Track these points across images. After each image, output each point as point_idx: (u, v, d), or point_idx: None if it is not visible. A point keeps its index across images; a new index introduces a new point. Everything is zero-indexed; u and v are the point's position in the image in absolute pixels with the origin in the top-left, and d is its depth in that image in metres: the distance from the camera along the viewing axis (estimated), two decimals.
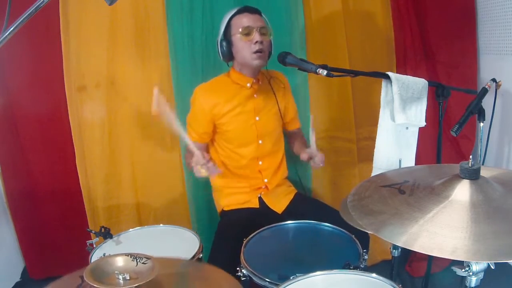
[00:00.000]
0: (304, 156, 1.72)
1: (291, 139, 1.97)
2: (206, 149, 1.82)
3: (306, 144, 1.89)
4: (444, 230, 0.86)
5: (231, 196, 1.81)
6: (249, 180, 1.81)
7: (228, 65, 1.77)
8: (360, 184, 1.13)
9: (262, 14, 1.67)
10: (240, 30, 1.61)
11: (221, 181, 1.83)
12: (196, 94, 1.72)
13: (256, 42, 1.60)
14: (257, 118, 1.75)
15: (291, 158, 1.94)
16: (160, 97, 1.31)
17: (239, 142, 1.75)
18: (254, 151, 1.77)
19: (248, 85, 1.72)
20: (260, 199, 1.80)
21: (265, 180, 1.82)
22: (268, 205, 1.79)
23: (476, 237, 0.83)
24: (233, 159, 1.78)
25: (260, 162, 1.80)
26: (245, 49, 1.62)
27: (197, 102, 1.72)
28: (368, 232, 1.39)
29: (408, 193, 1.01)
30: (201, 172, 1.48)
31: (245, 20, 1.62)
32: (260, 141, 1.77)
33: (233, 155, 1.77)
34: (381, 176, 1.21)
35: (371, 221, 0.94)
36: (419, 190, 1.02)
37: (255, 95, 1.75)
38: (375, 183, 1.12)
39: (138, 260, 0.92)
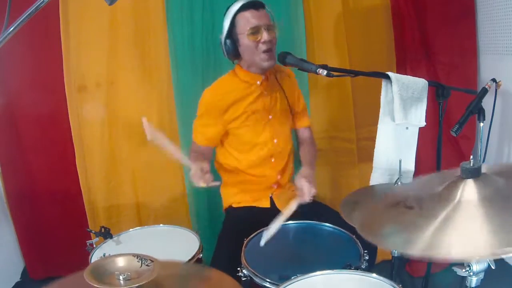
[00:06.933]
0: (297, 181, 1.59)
1: (301, 145, 1.87)
2: (210, 153, 1.76)
3: (313, 155, 1.81)
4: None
5: (242, 193, 1.76)
6: (261, 178, 1.74)
7: (233, 63, 1.70)
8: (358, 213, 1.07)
9: (266, 7, 1.60)
10: (247, 30, 1.54)
11: (233, 177, 1.77)
12: (205, 98, 1.65)
13: (264, 41, 1.54)
14: (270, 117, 1.70)
15: (298, 160, 1.88)
16: (149, 126, 1.39)
17: (254, 144, 1.69)
18: (268, 150, 1.71)
19: (258, 82, 1.65)
20: (271, 199, 1.75)
21: (278, 177, 1.75)
22: (278, 207, 1.70)
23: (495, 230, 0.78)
24: (245, 161, 1.71)
25: (273, 160, 1.74)
26: (254, 50, 1.56)
27: (206, 107, 1.65)
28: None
29: (418, 207, 0.94)
30: (199, 183, 1.44)
31: (251, 18, 1.54)
32: (275, 140, 1.71)
33: (246, 157, 1.71)
34: (377, 198, 1.16)
35: (396, 242, 0.87)
36: (425, 201, 0.95)
37: (265, 93, 1.67)
38: (375, 208, 1.05)
39: (143, 262, 0.92)
